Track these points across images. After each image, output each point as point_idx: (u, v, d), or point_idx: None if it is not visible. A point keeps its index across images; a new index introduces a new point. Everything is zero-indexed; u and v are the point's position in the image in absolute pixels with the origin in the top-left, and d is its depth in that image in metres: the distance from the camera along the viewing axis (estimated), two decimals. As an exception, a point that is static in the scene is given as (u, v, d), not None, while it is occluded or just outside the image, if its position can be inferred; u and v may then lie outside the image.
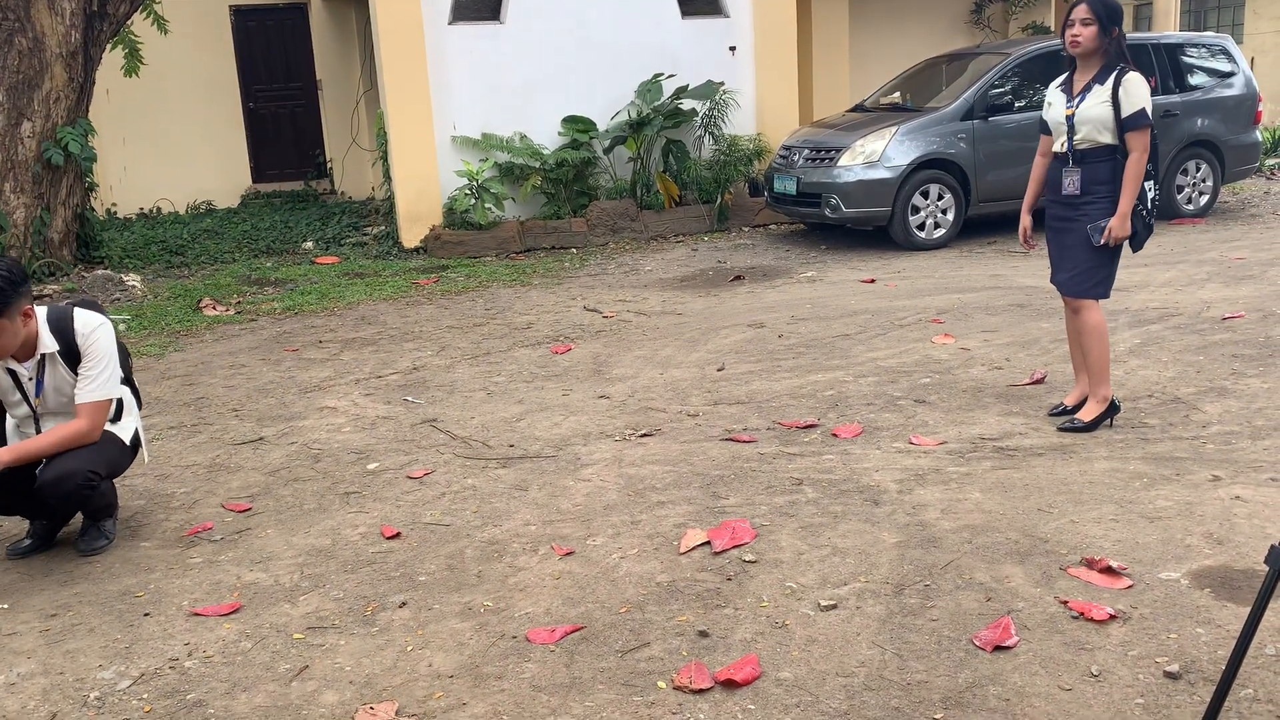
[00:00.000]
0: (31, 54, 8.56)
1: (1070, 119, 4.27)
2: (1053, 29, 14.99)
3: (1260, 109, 10.35)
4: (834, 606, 3.05)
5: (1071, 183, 4.32)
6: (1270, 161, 13.13)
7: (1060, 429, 4.43)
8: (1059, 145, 4.35)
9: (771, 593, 3.16)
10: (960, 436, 4.43)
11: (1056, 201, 4.42)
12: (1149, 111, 4.14)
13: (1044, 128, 4.47)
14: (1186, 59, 10.07)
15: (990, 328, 6.24)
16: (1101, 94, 4.19)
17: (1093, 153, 4.25)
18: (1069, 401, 4.59)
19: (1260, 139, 10.59)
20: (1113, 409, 4.43)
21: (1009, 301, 6.88)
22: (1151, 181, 4.24)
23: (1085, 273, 4.33)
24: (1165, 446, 4.18)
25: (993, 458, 4.16)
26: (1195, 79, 10.03)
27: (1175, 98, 9.78)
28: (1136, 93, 4.14)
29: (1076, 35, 4.21)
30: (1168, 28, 13.65)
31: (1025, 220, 4.71)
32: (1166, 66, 9.88)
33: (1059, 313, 6.43)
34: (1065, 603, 3.00)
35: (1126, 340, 5.71)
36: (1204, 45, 10.36)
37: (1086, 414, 4.42)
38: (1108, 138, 4.21)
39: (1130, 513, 3.57)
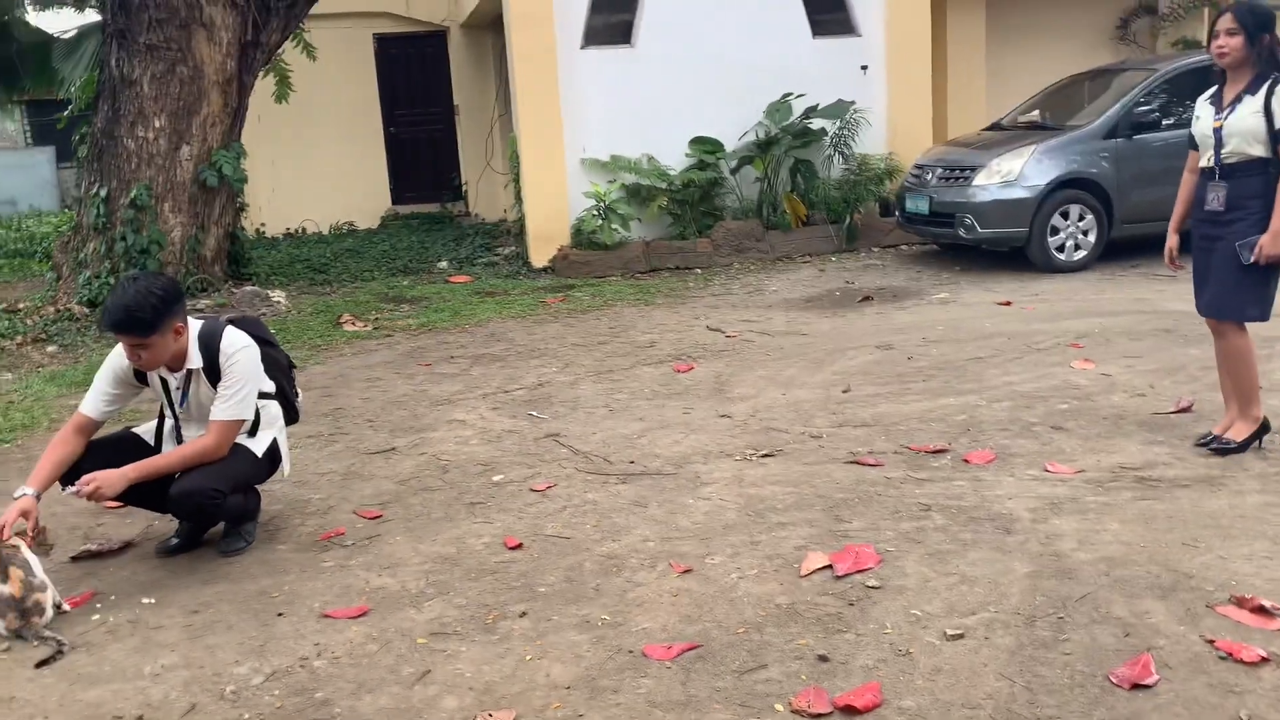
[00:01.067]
0: (191, 82, 9.08)
1: (1218, 131, 4.07)
2: (1204, 44, 14.31)
3: None
4: (961, 636, 2.95)
5: (1216, 198, 4.11)
6: None
7: (1210, 449, 4.24)
8: (1205, 160, 4.15)
9: (895, 619, 3.07)
10: (1099, 465, 4.24)
11: (1203, 219, 4.21)
12: None
13: (1192, 143, 4.28)
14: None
15: (1133, 353, 5.96)
16: (1254, 104, 3.98)
17: (1242, 166, 4.04)
18: (1218, 431, 4.35)
19: None
20: (1264, 429, 4.23)
21: (1154, 327, 6.57)
22: None
23: (1231, 292, 4.12)
24: (1327, 481, 3.91)
25: (1134, 488, 3.97)
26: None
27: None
28: None
29: (1222, 46, 4.03)
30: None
31: (1172, 240, 4.51)
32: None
33: (1208, 339, 6.09)
34: (1211, 642, 2.82)
35: (1278, 370, 5.38)
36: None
37: (1237, 433, 4.23)
38: (1258, 150, 3.99)
39: (1286, 550, 3.35)
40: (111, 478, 3.50)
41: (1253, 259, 4.00)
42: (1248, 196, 4.04)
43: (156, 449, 3.84)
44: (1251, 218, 4.02)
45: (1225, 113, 4.07)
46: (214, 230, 9.55)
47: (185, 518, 3.85)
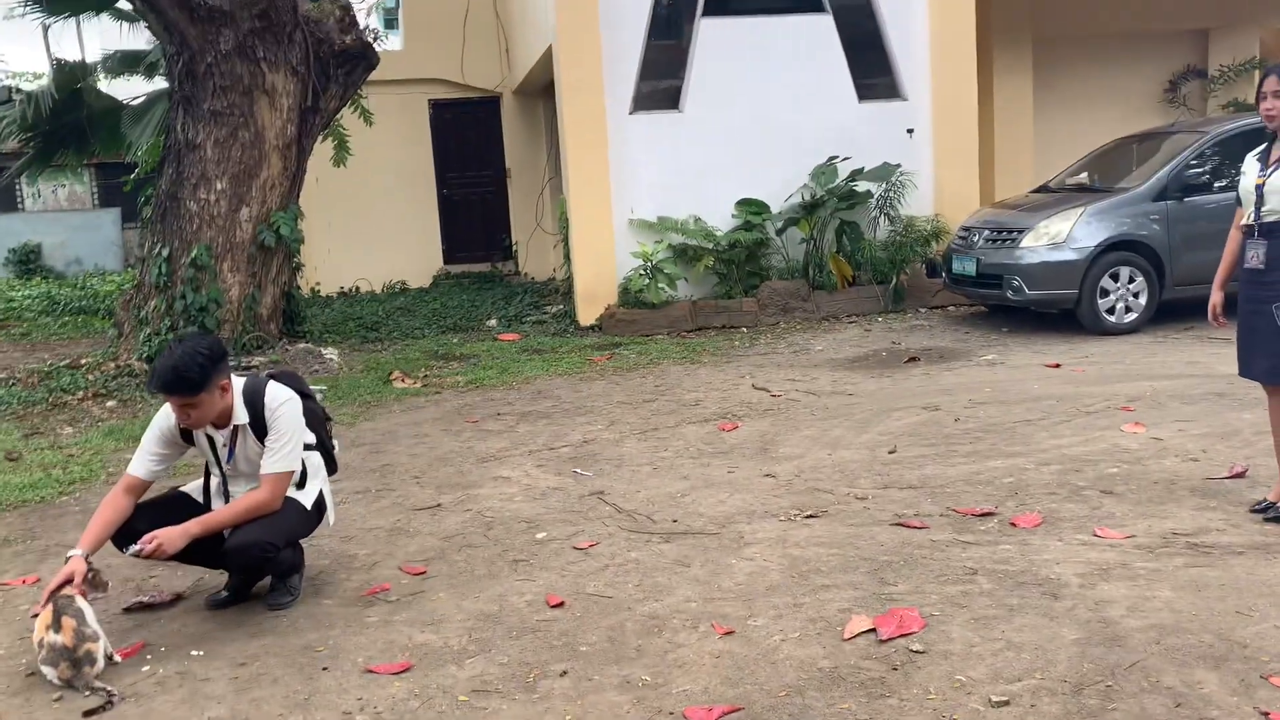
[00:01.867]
0: (252, 146, 9.39)
1: (1260, 188, 4.07)
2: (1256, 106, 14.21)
3: None
4: (1006, 703, 2.90)
5: (1255, 256, 4.09)
6: None
7: (1267, 516, 4.16)
8: (1247, 217, 4.14)
9: (939, 685, 3.03)
10: (1150, 530, 4.16)
11: (1245, 278, 4.18)
12: None
13: (1239, 199, 4.26)
14: None
15: (1185, 417, 5.87)
16: None
17: None
18: (1273, 497, 4.27)
19: None
20: None
21: (1207, 390, 6.46)
22: None
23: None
24: (1388, 551, 3.81)
25: (1185, 554, 3.89)
26: None
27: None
28: None
29: (1270, 108, 4.04)
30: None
31: (1216, 297, 4.46)
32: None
33: (1263, 402, 5.98)
34: (1267, 715, 2.75)
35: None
36: None
37: (1277, 496, 4.15)
38: None
39: (1345, 621, 3.26)
40: (173, 534, 3.58)
41: None
42: None
43: (205, 507, 3.93)
44: None
45: (1270, 171, 4.06)
46: (270, 289, 9.79)
47: (240, 571, 3.92)
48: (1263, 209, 4.07)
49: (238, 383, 3.84)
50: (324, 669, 3.39)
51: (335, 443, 4.35)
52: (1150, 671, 3.03)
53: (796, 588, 3.82)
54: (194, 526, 3.66)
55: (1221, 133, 9.14)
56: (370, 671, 3.35)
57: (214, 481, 3.98)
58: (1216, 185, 8.96)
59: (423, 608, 3.86)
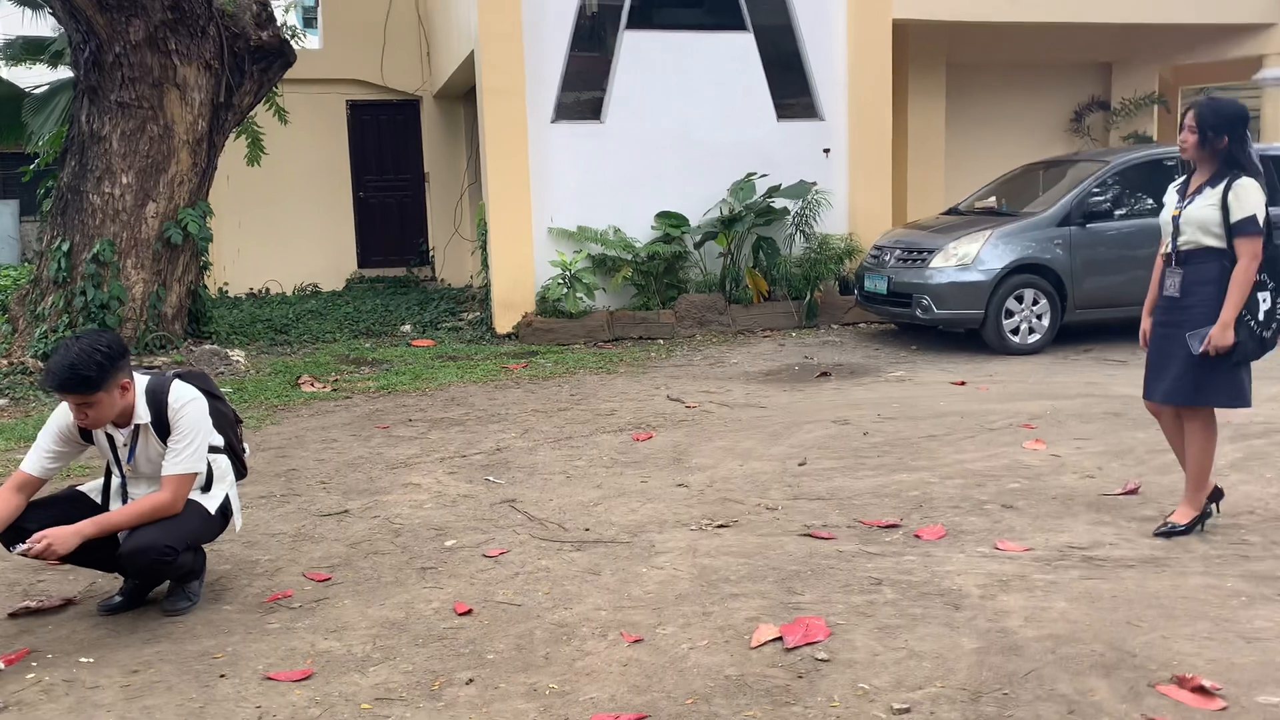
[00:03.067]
0: (161, 140, 9.13)
1: (1176, 219, 4.23)
2: (1155, 138, 14.83)
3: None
4: (907, 710, 2.95)
5: (1173, 284, 4.25)
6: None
7: (1155, 533, 4.32)
8: (1165, 246, 4.30)
9: (843, 693, 3.08)
10: (1048, 544, 4.29)
11: (1161, 304, 4.35)
12: (1260, 219, 4.04)
13: (1160, 227, 4.44)
14: (1290, 171, 9.83)
15: (1083, 435, 6.07)
16: (1210, 197, 4.13)
17: (1195, 255, 4.18)
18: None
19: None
20: (1205, 515, 4.34)
21: (1104, 410, 6.70)
22: (1267, 293, 4.10)
23: (1195, 382, 4.19)
24: (1267, 565, 3.99)
25: (1081, 567, 4.02)
26: (1303, 191, 9.76)
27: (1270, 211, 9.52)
28: (1247, 199, 4.05)
29: (1183, 141, 4.21)
30: (1275, 139, 13.38)
31: (1145, 322, 4.55)
32: (1274, 178, 9.66)
33: (1156, 423, 6.23)
34: (1153, 721, 2.86)
35: (1228, 454, 5.48)
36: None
37: (1181, 517, 4.33)
38: (1211, 241, 4.13)
39: (1226, 631, 3.40)
40: (64, 534, 3.44)
41: (1201, 350, 4.11)
42: (1201, 284, 4.16)
43: (104, 507, 3.79)
44: (1203, 306, 4.13)
45: (1186, 202, 4.23)
46: (176, 288, 9.52)
47: (135, 576, 3.79)
48: (1179, 239, 4.23)
49: (140, 381, 3.72)
50: (221, 676, 3.29)
51: (246, 446, 4.25)
52: (1045, 680, 3.11)
53: (705, 596, 3.84)
54: (88, 527, 3.52)
55: (1122, 163, 9.49)
56: (270, 679, 3.26)
57: (114, 482, 3.84)
58: (1117, 213, 9.30)
59: (326, 615, 3.78)
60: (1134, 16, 12.52)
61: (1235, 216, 4.06)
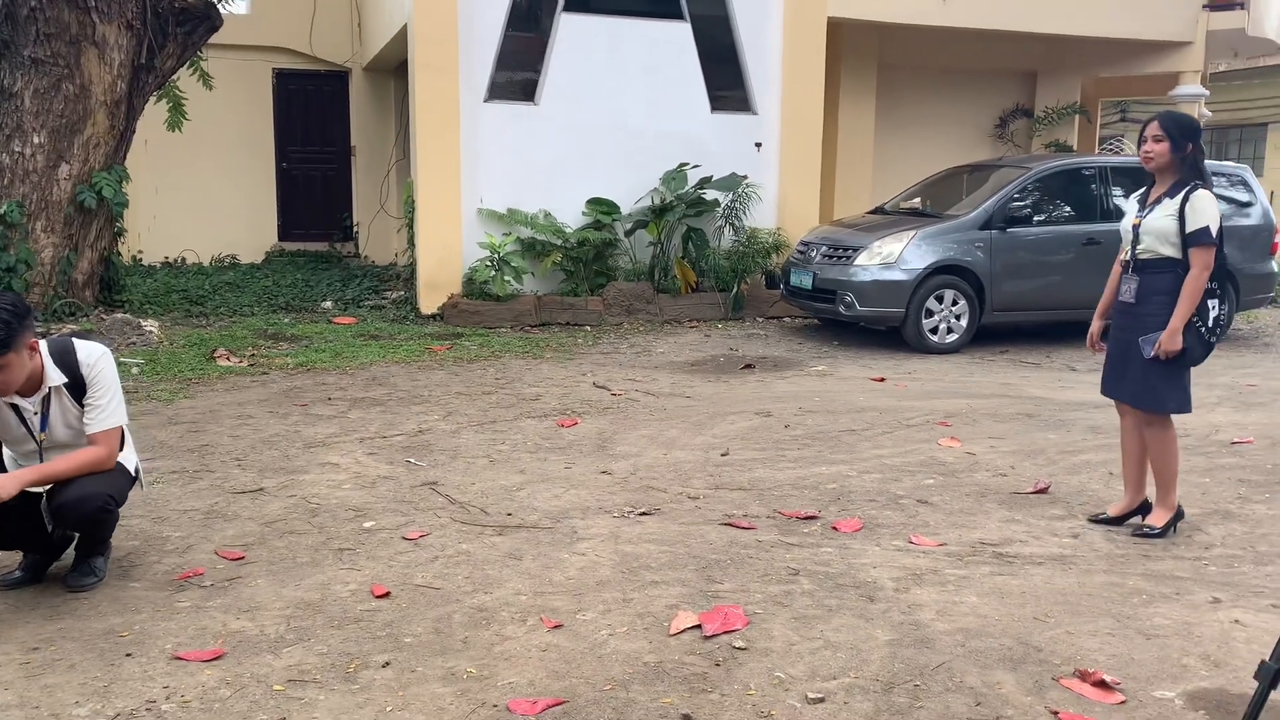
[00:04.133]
0: (77, 100, 8.80)
1: (1136, 228, 4.36)
2: (1075, 147, 15.25)
3: (1277, 241, 10.45)
4: (821, 700, 3.00)
5: (1129, 290, 4.38)
6: (1285, 293, 13.20)
7: (1134, 534, 4.45)
8: (1125, 254, 4.43)
9: (759, 681, 3.11)
10: (960, 540, 4.40)
11: (1118, 309, 4.48)
12: (1213, 230, 4.18)
13: (1120, 235, 4.56)
14: (1205, 186, 10.19)
15: (997, 434, 6.23)
16: (1169, 208, 4.25)
17: (1153, 263, 4.30)
18: (1112, 511, 4.59)
19: (1276, 270, 10.66)
20: (1178, 515, 4.49)
21: (1017, 410, 6.88)
22: (1216, 300, 4.25)
23: (1151, 388, 4.33)
24: (1166, 565, 4.14)
25: (991, 563, 4.13)
26: (1213, 206, 10.14)
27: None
28: (1203, 210, 4.19)
29: (1149, 152, 4.30)
30: (1188, 155, 13.85)
31: (1095, 325, 4.69)
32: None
33: (1067, 424, 6.44)
34: (1056, 713, 2.94)
35: (1133, 456, 5.68)
36: (1223, 174, 10.50)
37: (1158, 520, 4.46)
38: (1169, 250, 4.25)
39: (1127, 628, 3.53)
40: (5, 480, 3.36)
41: (1152, 354, 4.25)
42: (1157, 292, 4.29)
43: None
44: (1159, 313, 4.26)
45: (1146, 212, 4.35)
46: (88, 253, 9.21)
47: (74, 527, 3.63)
48: (1138, 247, 4.36)
49: (41, 345, 3.59)
50: (127, 655, 3.20)
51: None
52: (955, 672, 3.19)
53: (626, 583, 3.85)
54: (29, 474, 3.44)
55: (1044, 170, 9.74)
56: (179, 659, 3.19)
57: (6, 454, 3.68)
58: (1036, 219, 9.56)
59: (239, 594, 3.70)
60: (1060, 28, 12.84)
61: (1191, 227, 4.19)
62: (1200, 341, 4.26)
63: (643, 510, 4.68)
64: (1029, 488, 5.13)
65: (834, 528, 4.50)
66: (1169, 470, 4.45)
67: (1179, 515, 4.50)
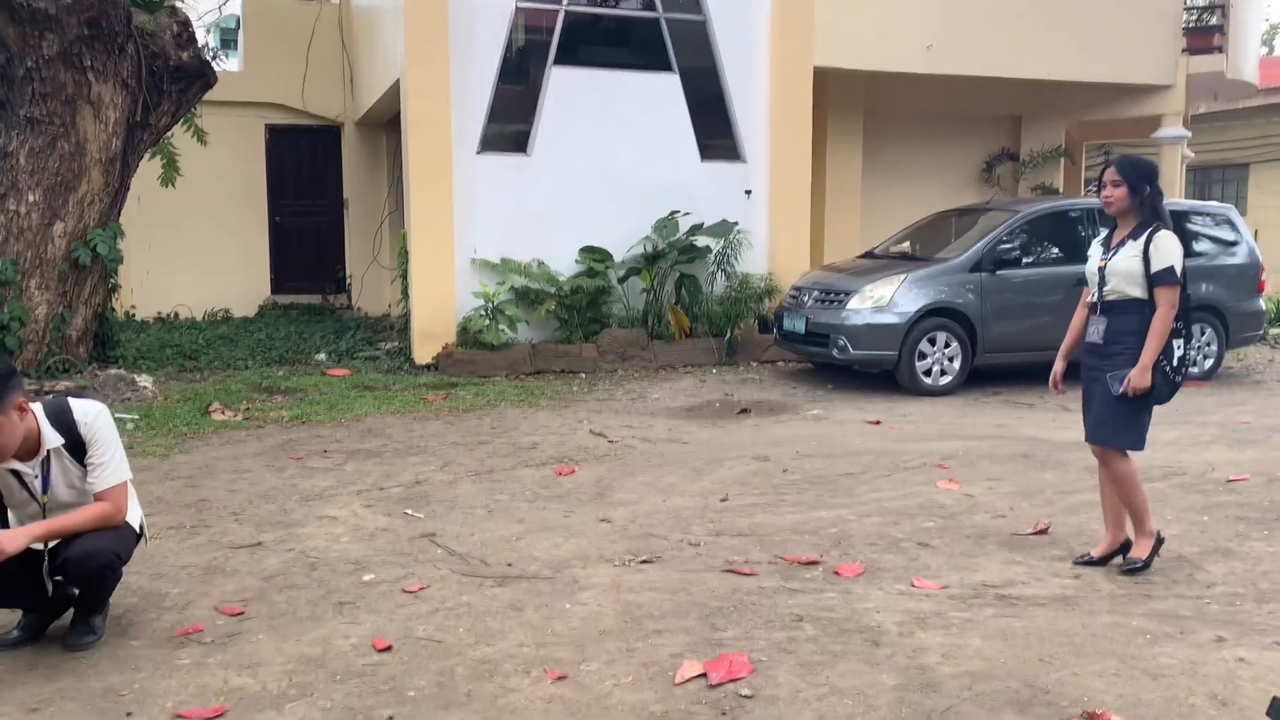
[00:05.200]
0: (72, 158, 8.86)
1: (1102, 270, 4.43)
2: (1061, 190, 15.43)
3: (1264, 278, 10.56)
4: (830, 747, 2.98)
5: (1097, 331, 4.44)
6: (1275, 330, 13.31)
7: (1122, 570, 4.46)
8: (1092, 296, 4.50)
9: (766, 729, 3.09)
10: (963, 582, 4.39)
11: (1086, 350, 4.54)
12: (1178, 270, 4.27)
13: (1087, 280, 4.62)
14: (1191, 226, 10.32)
15: (995, 475, 6.24)
16: (1134, 249, 4.34)
17: (1120, 304, 4.37)
18: (1095, 553, 4.59)
19: (1264, 307, 10.76)
20: (1159, 542, 4.51)
21: (1014, 451, 6.89)
22: (1180, 339, 4.33)
23: (1108, 422, 4.41)
24: (1169, 604, 4.14)
25: (995, 605, 4.12)
26: (1200, 245, 10.26)
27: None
28: (1167, 251, 4.28)
29: (1109, 196, 4.41)
30: (1173, 195, 14.05)
31: (1059, 365, 4.77)
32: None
33: (1064, 464, 6.46)
34: (1066, 756, 2.93)
35: (1131, 495, 5.70)
36: (1208, 214, 10.65)
37: (1140, 551, 4.48)
38: (1136, 291, 4.33)
39: (1133, 668, 3.52)
40: (13, 534, 3.35)
41: (1121, 390, 4.30)
42: (1124, 333, 4.36)
43: None
44: (1127, 353, 4.33)
45: (1110, 254, 4.43)
46: (82, 310, 9.21)
47: (78, 583, 3.61)
48: (1104, 289, 4.43)
49: (35, 408, 3.57)
50: (128, 715, 3.17)
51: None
52: (963, 715, 3.18)
53: (629, 633, 3.83)
54: (36, 528, 3.42)
55: (1032, 213, 9.86)
56: (180, 716, 3.16)
57: (12, 518, 3.66)
58: (1025, 261, 9.64)
59: (239, 650, 3.67)
60: (1042, 73, 13.05)
61: (1156, 267, 4.29)
62: (1166, 380, 4.34)
63: (644, 558, 4.67)
64: (1029, 529, 5.13)
65: (836, 572, 4.49)
66: (1137, 503, 4.49)
67: (1159, 542, 4.52)
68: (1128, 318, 4.36)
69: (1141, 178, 4.37)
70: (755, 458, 6.70)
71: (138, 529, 3.80)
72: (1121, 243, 4.42)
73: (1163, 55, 13.68)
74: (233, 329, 12.78)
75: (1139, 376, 4.26)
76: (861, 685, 3.38)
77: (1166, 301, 4.27)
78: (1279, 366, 11.10)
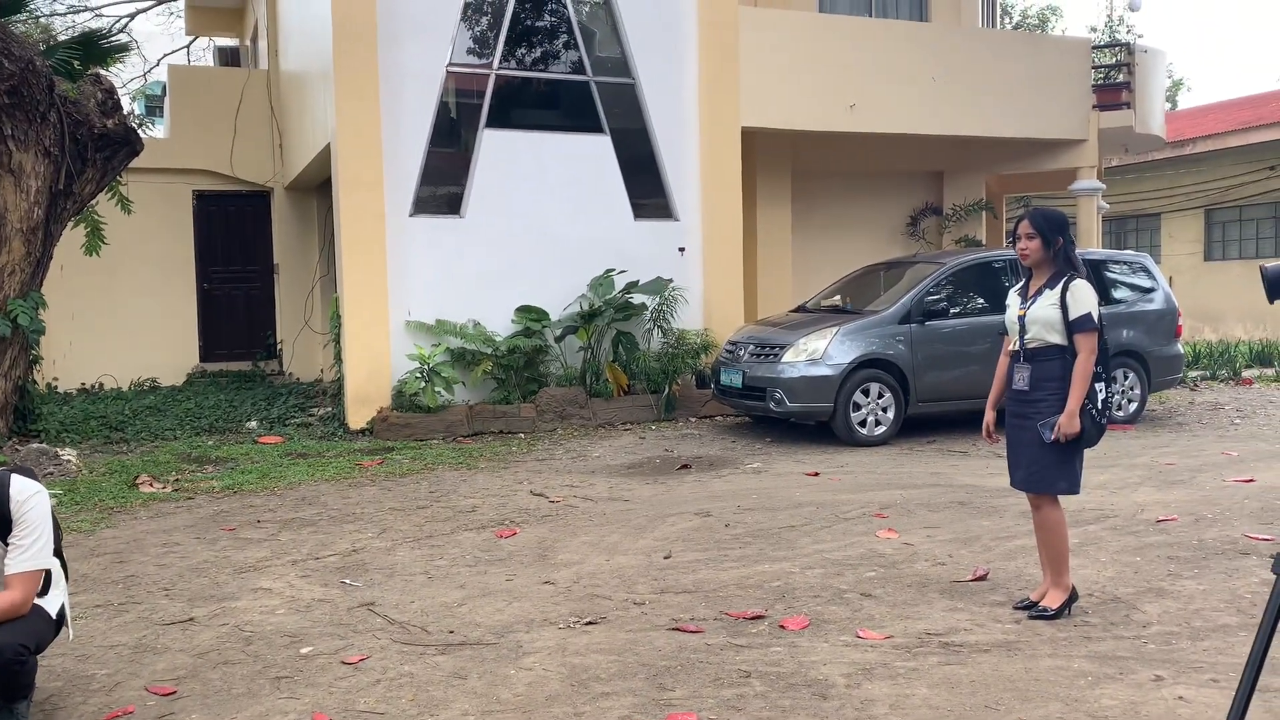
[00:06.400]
0: (-8, 227, 8.65)
1: (1022, 319, 4.57)
2: (984, 242, 15.86)
3: (1180, 323, 10.92)
4: (782, 805, 2.95)
5: (1022, 379, 4.56)
6: (1193, 374, 13.75)
7: (1030, 616, 4.51)
8: (1014, 344, 4.61)
9: (718, 790, 3.06)
10: (907, 631, 4.41)
11: (1012, 398, 4.63)
12: (1095, 316, 4.43)
13: (1006, 329, 4.73)
14: (1110, 274, 10.67)
15: (932, 524, 6.31)
16: (1051, 298, 4.48)
17: (1042, 351, 4.50)
18: (1034, 596, 4.65)
19: (1182, 351, 11.12)
20: (1073, 597, 4.56)
21: (950, 499, 6.99)
22: (1101, 383, 4.46)
23: (1042, 469, 4.50)
24: (1108, 645, 4.20)
25: (939, 653, 4.15)
26: (1119, 293, 10.61)
27: (1100, 309, 10.30)
28: (1082, 298, 4.44)
29: (1024, 249, 4.56)
30: (1090, 245, 14.53)
31: (989, 415, 4.86)
32: (1091, 280, 10.45)
33: (999, 511, 6.56)
34: (1016, 803, 2.94)
35: (1065, 539, 5.79)
36: (1125, 262, 11.01)
37: (1052, 602, 4.53)
38: (1056, 338, 4.46)
39: (1077, 711, 3.55)
40: None
41: (1052, 437, 4.39)
42: (1048, 379, 4.49)
43: None
44: (1051, 399, 4.46)
45: (1029, 303, 4.57)
46: (1, 383, 8.95)
47: None
48: (1025, 337, 4.56)
49: None
50: (53, 806, 3.03)
51: (65, 550, 3.99)
52: (913, 766, 3.17)
53: (576, 696, 3.77)
54: None
55: (957, 265, 10.10)
56: (109, 806, 3.02)
57: None
58: (952, 311, 9.85)
59: (172, 732, 3.54)
60: (961, 129, 13.49)
61: (1073, 314, 4.44)
62: (1094, 423, 4.47)
63: (588, 619, 4.62)
64: (968, 575, 5.19)
65: (781, 626, 4.48)
66: (1060, 552, 4.57)
67: (1073, 597, 4.57)
68: (1050, 364, 4.49)
69: (1054, 229, 4.53)
70: (697, 513, 6.70)
71: (55, 615, 3.64)
72: (1039, 292, 4.56)
73: (1075, 111, 14.22)
74: (160, 399, 12.50)
75: (1068, 422, 4.38)
76: (811, 740, 3.37)
77: (1086, 347, 4.41)
78: (1199, 409, 11.44)
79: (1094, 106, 14.46)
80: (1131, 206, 23.69)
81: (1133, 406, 10.44)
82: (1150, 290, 10.77)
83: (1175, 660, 4.02)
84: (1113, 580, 5.06)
